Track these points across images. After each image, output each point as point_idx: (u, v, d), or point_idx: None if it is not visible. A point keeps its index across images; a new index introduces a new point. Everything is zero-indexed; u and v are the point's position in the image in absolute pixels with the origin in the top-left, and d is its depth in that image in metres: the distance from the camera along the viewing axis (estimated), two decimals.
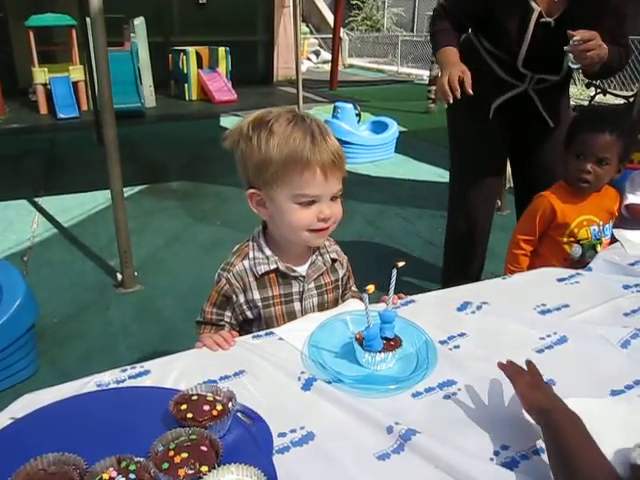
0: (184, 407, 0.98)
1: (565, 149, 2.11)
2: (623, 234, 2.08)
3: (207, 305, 1.45)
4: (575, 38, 2.04)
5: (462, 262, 2.81)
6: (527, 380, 1.09)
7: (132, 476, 0.82)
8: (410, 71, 16.04)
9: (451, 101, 2.16)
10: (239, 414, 1.03)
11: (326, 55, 15.80)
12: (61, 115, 8.26)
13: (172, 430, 0.93)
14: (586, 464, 0.87)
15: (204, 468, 0.85)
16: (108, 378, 1.17)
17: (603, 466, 0.87)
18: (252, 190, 1.36)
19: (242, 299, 1.42)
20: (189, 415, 0.96)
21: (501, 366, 1.13)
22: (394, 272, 1.23)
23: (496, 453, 1.00)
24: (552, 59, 2.30)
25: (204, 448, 0.89)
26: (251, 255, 1.42)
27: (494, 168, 2.69)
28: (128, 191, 4.96)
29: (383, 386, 1.16)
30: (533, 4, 2.22)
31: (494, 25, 2.36)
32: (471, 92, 2.13)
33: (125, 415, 1.02)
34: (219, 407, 0.98)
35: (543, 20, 2.22)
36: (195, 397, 1.00)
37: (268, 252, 1.42)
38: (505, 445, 1.02)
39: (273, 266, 1.41)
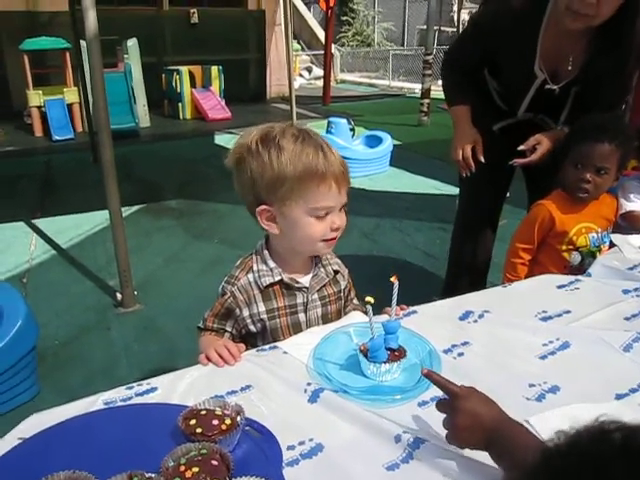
0: (193, 422, 0.98)
1: (563, 158, 2.12)
2: (622, 238, 2.08)
3: (209, 314, 1.46)
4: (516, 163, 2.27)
5: (465, 276, 2.84)
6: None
7: None
8: (402, 85, 16.15)
9: (469, 174, 2.31)
10: (247, 428, 1.03)
11: (318, 71, 15.90)
12: (56, 137, 8.27)
13: (182, 445, 0.93)
14: None
15: None
16: (115, 396, 1.17)
17: None
18: (263, 207, 1.37)
19: (246, 313, 1.43)
20: (198, 430, 0.96)
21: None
22: (396, 284, 1.25)
23: None
24: (553, 111, 2.33)
25: (215, 462, 0.89)
26: (255, 268, 1.44)
27: (496, 191, 2.70)
28: (125, 211, 4.92)
29: (389, 396, 1.17)
30: (538, 72, 2.19)
31: (501, 76, 2.39)
32: (483, 160, 2.27)
33: (134, 432, 1.03)
34: (228, 421, 0.98)
35: (548, 87, 2.21)
36: (204, 412, 1.01)
37: (272, 264, 1.44)
38: None
39: (277, 277, 1.43)
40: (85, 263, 4.12)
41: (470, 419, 0.95)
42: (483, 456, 0.95)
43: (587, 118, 2.08)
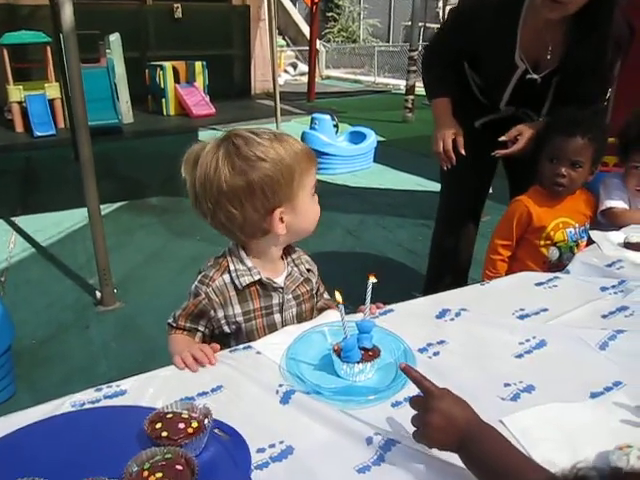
0: (159, 426, 0.96)
1: (538, 153, 2.13)
2: (601, 234, 2.09)
3: (182, 314, 1.43)
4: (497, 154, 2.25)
5: (447, 272, 2.83)
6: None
7: None
8: (387, 81, 16.15)
9: (449, 167, 2.29)
10: (216, 431, 1.01)
11: (303, 67, 15.86)
12: (37, 133, 8.16)
13: (147, 450, 0.91)
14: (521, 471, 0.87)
15: None
16: (83, 398, 1.14)
17: (535, 469, 0.87)
18: (279, 210, 1.34)
19: (220, 314, 1.40)
20: (164, 434, 0.94)
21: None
22: (370, 283, 1.23)
23: None
24: (534, 103, 2.32)
25: (179, 467, 0.87)
26: (232, 268, 1.41)
27: (478, 186, 2.69)
28: (106, 208, 4.92)
29: (362, 397, 1.15)
30: (518, 61, 2.19)
31: (481, 68, 2.38)
32: (464, 153, 2.24)
33: (99, 436, 1.00)
34: (194, 424, 0.96)
35: (529, 77, 2.21)
36: (170, 415, 0.98)
37: (250, 264, 1.41)
38: None
39: (257, 277, 1.40)
40: (65, 261, 4.07)
41: (444, 420, 0.94)
42: (455, 458, 0.94)
43: (561, 112, 2.09)
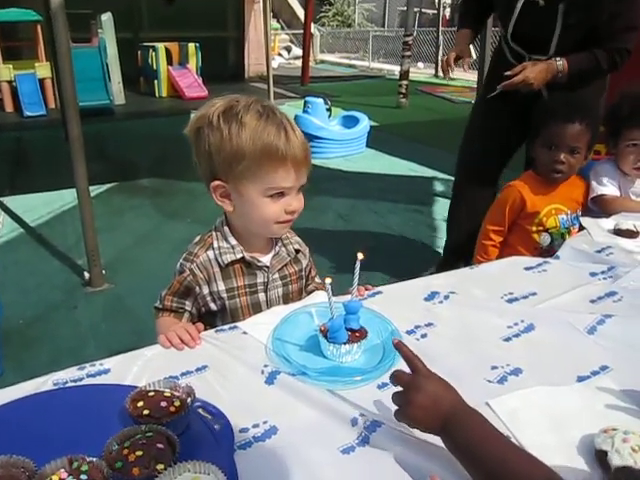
0: (141, 404, 0.94)
1: (535, 140, 2.11)
2: (591, 221, 2.08)
3: (167, 293, 1.42)
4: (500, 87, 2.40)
5: (462, 243, 2.85)
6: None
7: (83, 477, 0.78)
8: (381, 66, 16.09)
9: (449, 76, 2.67)
10: (200, 410, 1.00)
11: (297, 51, 15.76)
12: (27, 113, 8.10)
13: (128, 428, 0.90)
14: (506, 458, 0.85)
15: (160, 466, 0.82)
16: (66, 376, 1.13)
17: (521, 456, 0.86)
18: (218, 182, 1.33)
19: (206, 290, 1.39)
20: (146, 412, 0.93)
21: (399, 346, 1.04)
22: (357, 263, 1.21)
23: None
24: (540, 38, 2.35)
25: (160, 445, 0.85)
26: (215, 245, 1.40)
27: (497, 160, 2.78)
28: (97, 189, 4.89)
29: (349, 378, 1.14)
30: None
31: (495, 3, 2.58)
32: (466, 68, 2.62)
33: (81, 414, 0.99)
34: (177, 403, 0.95)
35: None
36: (152, 393, 0.97)
37: (233, 241, 1.40)
38: None
39: (239, 255, 1.39)
40: (54, 242, 4.04)
41: (429, 400, 0.93)
42: (438, 440, 0.93)
43: (556, 97, 2.08)
